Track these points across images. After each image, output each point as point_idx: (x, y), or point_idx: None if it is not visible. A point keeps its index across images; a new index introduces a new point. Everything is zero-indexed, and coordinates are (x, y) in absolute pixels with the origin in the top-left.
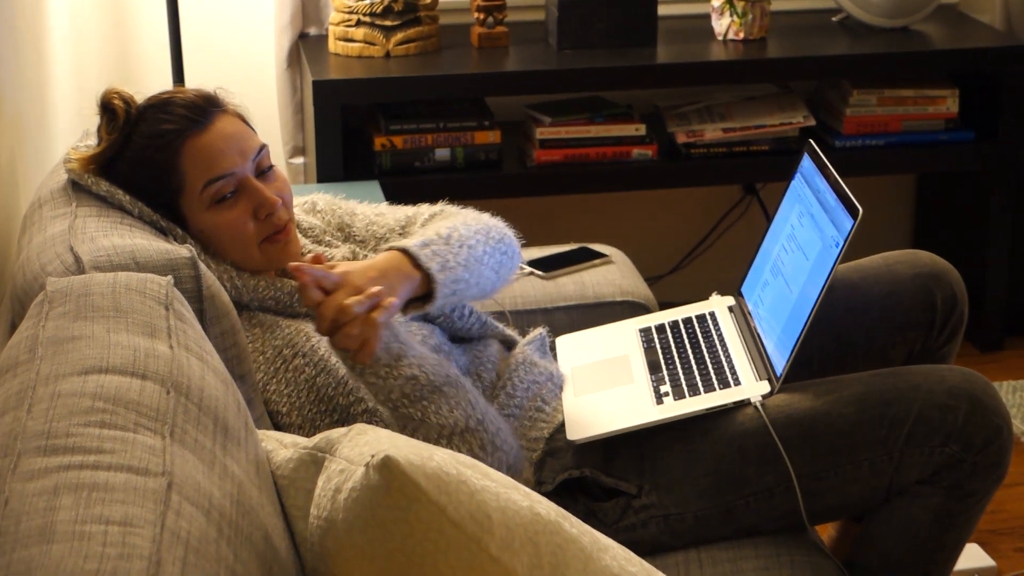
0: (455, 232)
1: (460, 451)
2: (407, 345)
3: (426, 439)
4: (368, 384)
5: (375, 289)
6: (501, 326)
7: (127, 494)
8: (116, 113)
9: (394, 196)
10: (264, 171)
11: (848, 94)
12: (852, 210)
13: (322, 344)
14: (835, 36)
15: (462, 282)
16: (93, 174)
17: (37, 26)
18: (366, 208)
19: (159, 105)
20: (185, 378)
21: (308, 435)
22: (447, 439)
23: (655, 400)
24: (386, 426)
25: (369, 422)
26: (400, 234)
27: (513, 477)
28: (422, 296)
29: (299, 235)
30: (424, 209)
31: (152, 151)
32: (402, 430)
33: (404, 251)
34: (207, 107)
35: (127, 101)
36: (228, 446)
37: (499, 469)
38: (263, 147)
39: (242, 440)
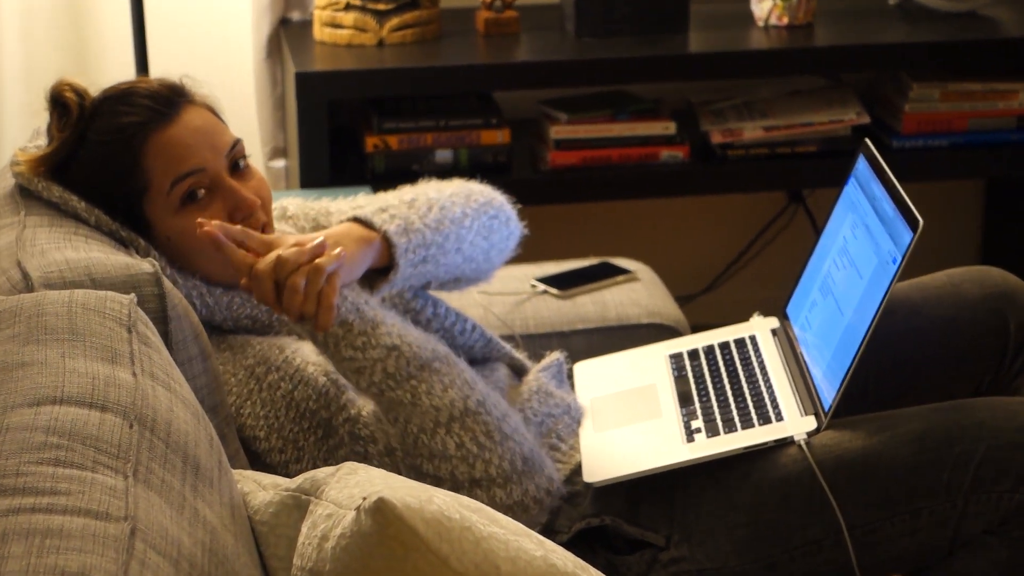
0: (423, 196)
1: (463, 440)
2: (382, 312)
3: (421, 429)
4: (345, 363)
5: (315, 237)
6: (509, 347)
7: (85, 541)
8: (68, 107)
9: None
10: (239, 168)
11: (907, 88)
12: (912, 221)
13: (297, 355)
14: (892, 21)
15: (434, 246)
16: (44, 178)
17: None
18: (342, 203)
19: (118, 96)
20: (150, 410)
21: (290, 457)
22: (445, 426)
23: (685, 437)
24: (371, 435)
25: (353, 433)
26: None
27: (532, 473)
28: (385, 269)
29: None
30: (407, 191)
31: (111, 148)
32: (393, 424)
33: (356, 219)
34: (173, 97)
35: (80, 94)
36: (199, 487)
37: (513, 462)
38: (237, 141)
39: (215, 481)
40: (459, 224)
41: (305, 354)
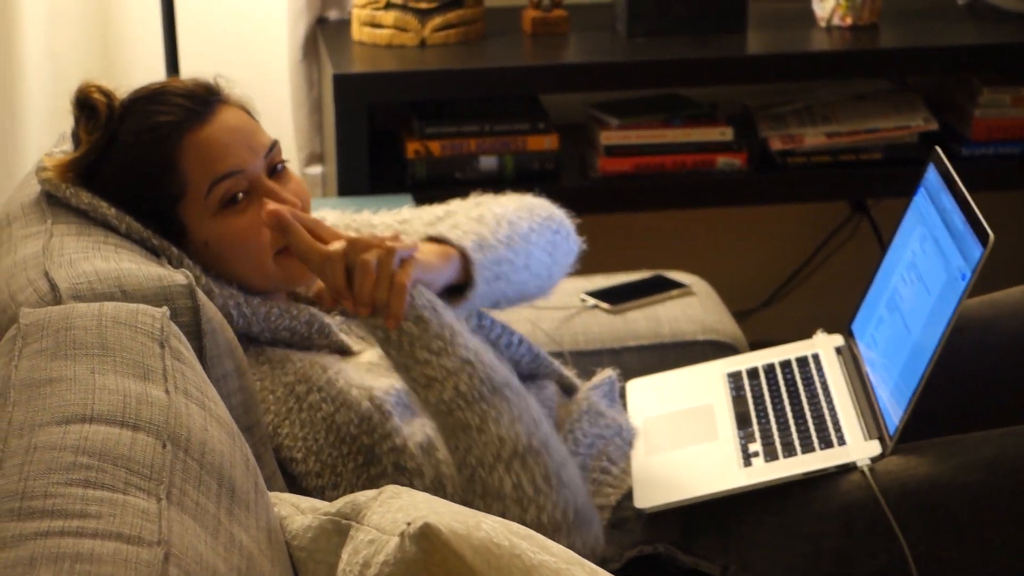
0: (489, 212)
1: (521, 480)
2: (459, 322)
3: (480, 462)
4: (419, 369)
5: (391, 233)
6: (557, 364)
7: (117, 566)
8: (96, 109)
9: None
10: (277, 171)
11: (978, 92)
12: (982, 236)
13: (340, 377)
14: (961, 22)
15: (506, 263)
16: (72, 183)
17: (8, 11)
18: (386, 216)
19: (150, 96)
20: (184, 429)
21: (327, 482)
22: (506, 462)
23: (742, 462)
24: (418, 468)
25: (399, 464)
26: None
27: (581, 528)
28: (460, 286)
29: None
30: (457, 205)
31: (145, 149)
32: (453, 453)
33: (431, 237)
34: (208, 96)
35: (108, 95)
36: (235, 511)
37: (566, 512)
38: (275, 143)
39: (251, 504)
40: (527, 240)
41: (349, 376)
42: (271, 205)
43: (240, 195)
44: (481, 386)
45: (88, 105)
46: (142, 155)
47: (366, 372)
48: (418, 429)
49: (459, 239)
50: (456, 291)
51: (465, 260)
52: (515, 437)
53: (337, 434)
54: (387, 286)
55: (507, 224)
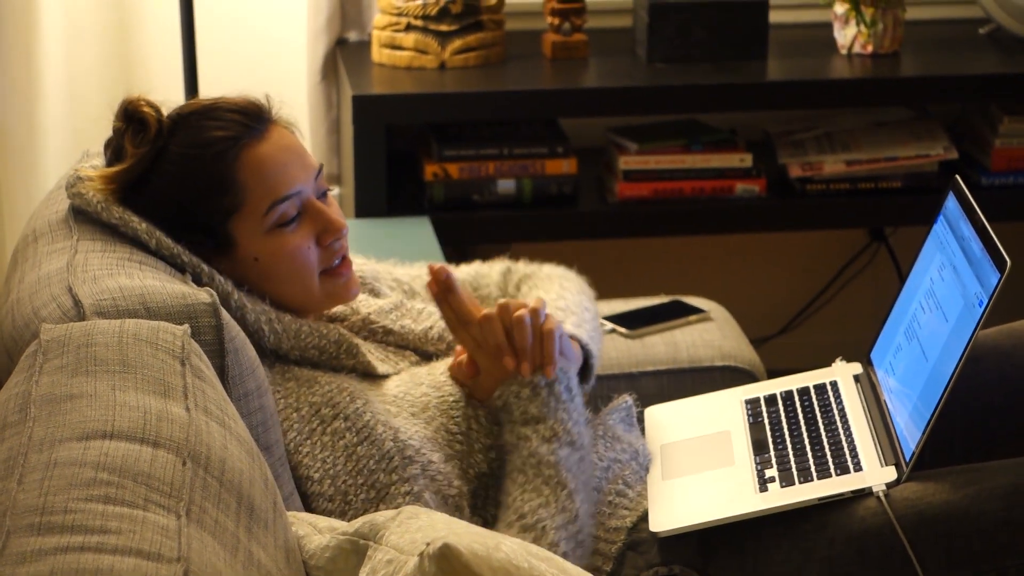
0: (572, 301)
1: (565, 553)
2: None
3: (543, 519)
4: (549, 421)
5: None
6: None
7: None
8: (146, 122)
9: (448, 235)
10: (324, 193)
11: (998, 121)
12: (999, 262)
13: (368, 410)
14: (982, 51)
15: (597, 354)
16: (115, 195)
17: (28, 31)
18: (410, 269)
19: (203, 112)
20: (204, 447)
21: (336, 508)
22: (569, 536)
23: (758, 487)
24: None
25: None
26: (476, 288)
27: None
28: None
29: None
30: (485, 268)
31: (200, 163)
32: (513, 500)
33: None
34: (261, 114)
35: (157, 109)
36: (254, 529)
37: None
38: (321, 167)
39: (270, 522)
40: (596, 328)
41: (376, 410)
42: (437, 265)
43: (294, 217)
44: (591, 461)
45: (138, 118)
46: (197, 169)
47: (392, 405)
48: (439, 482)
49: (576, 329)
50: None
51: (585, 353)
52: (582, 522)
53: (356, 464)
54: (539, 337)
55: (591, 317)
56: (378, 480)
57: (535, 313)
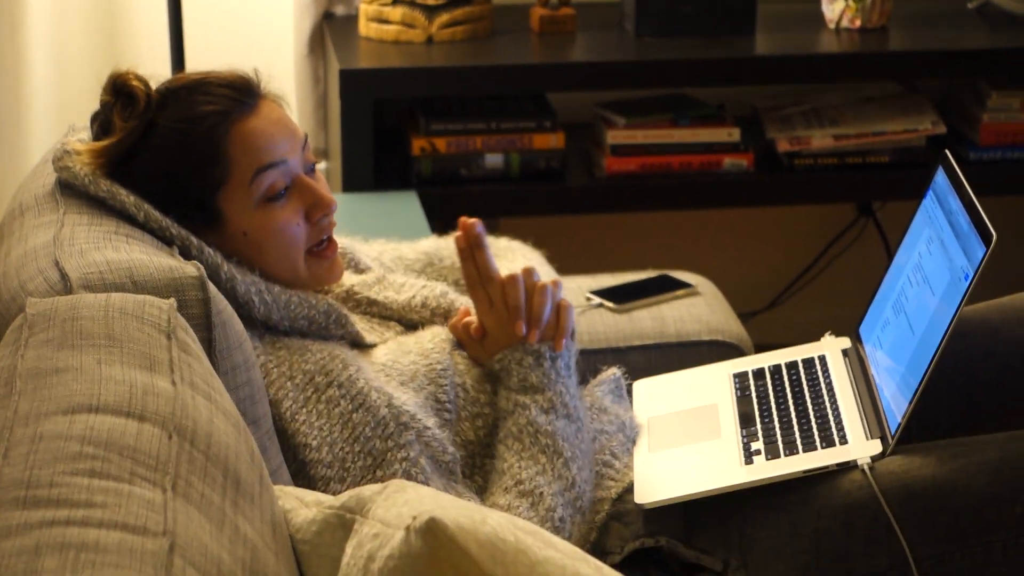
0: (541, 271)
1: (565, 521)
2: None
3: (541, 487)
4: (550, 391)
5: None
6: None
7: (122, 556)
8: (135, 97)
9: (435, 209)
10: (311, 167)
11: (986, 96)
12: (985, 236)
13: (361, 376)
14: (971, 26)
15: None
16: (103, 169)
17: (14, 5)
18: (383, 245)
19: (192, 86)
20: (190, 421)
21: (335, 475)
22: (567, 502)
23: (743, 460)
24: (426, 481)
25: (408, 475)
26: (431, 263)
27: None
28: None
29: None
30: (445, 242)
31: (190, 137)
32: (509, 468)
33: None
34: (251, 88)
35: (146, 84)
36: (240, 503)
37: None
38: (306, 137)
39: (256, 496)
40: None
41: (369, 377)
42: (470, 220)
43: (283, 191)
44: (588, 436)
45: (126, 92)
46: (186, 143)
47: (382, 374)
48: (437, 447)
49: None
50: None
51: None
52: (580, 489)
53: (352, 432)
54: (556, 308)
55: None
56: (375, 447)
57: (556, 285)
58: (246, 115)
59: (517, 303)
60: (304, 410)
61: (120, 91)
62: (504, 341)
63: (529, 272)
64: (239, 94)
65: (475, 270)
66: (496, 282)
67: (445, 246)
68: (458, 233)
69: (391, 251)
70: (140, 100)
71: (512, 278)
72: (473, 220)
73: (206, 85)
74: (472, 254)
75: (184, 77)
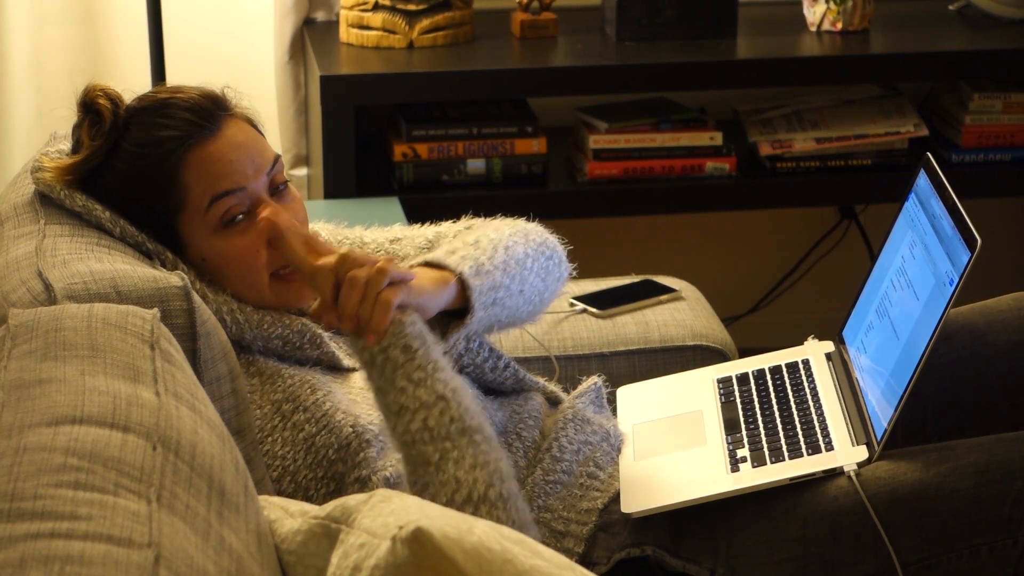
0: (485, 237)
1: None
2: (444, 362)
3: (433, 500)
4: (392, 396)
5: (386, 257)
6: (542, 381)
7: (107, 569)
8: (101, 115)
9: (417, 216)
10: (278, 188)
11: (968, 99)
12: (970, 241)
13: (328, 400)
14: (952, 28)
15: (502, 288)
16: (69, 187)
17: None
18: (377, 233)
19: (155, 107)
20: (174, 431)
21: None
22: (459, 506)
23: (729, 467)
24: None
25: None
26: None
27: None
28: (457, 311)
29: None
30: (448, 228)
31: (148, 162)
32: (412, 487)
33: (427, 263)
34: (214, 110)
35: (115, 101)
36: (225, 514)
37: None
38: (277, 159)
39: (241, 507)
40: (522, 266)
41: (337, 400)
42: (266, 211)
43: (240, 216)
44: (450, 424)
45: (93, 109)
46: (144, 168)
47: (359, 397)
48: (393, 463)
49: (456, 264)
50: (453, 316)
51: (462, 286)
52: (472, 483)
53: (315, 456)
54: (372, 302)
55: (503, 250)
56: (336, 471)
57: (377, 274)
58: (205, 140)
59: (322, 296)
60: (269, 439)
61: (88, 108)
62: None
63: (344, 259)
64: (200, 117)
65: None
66: (307, 270)
67: (446, 233)
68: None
69: (384, 242)
70: (106, 119)
71: (318, 268)
72: (268, 215)
73: (169, 107)
74: (283, 250)
75: (153, 96)
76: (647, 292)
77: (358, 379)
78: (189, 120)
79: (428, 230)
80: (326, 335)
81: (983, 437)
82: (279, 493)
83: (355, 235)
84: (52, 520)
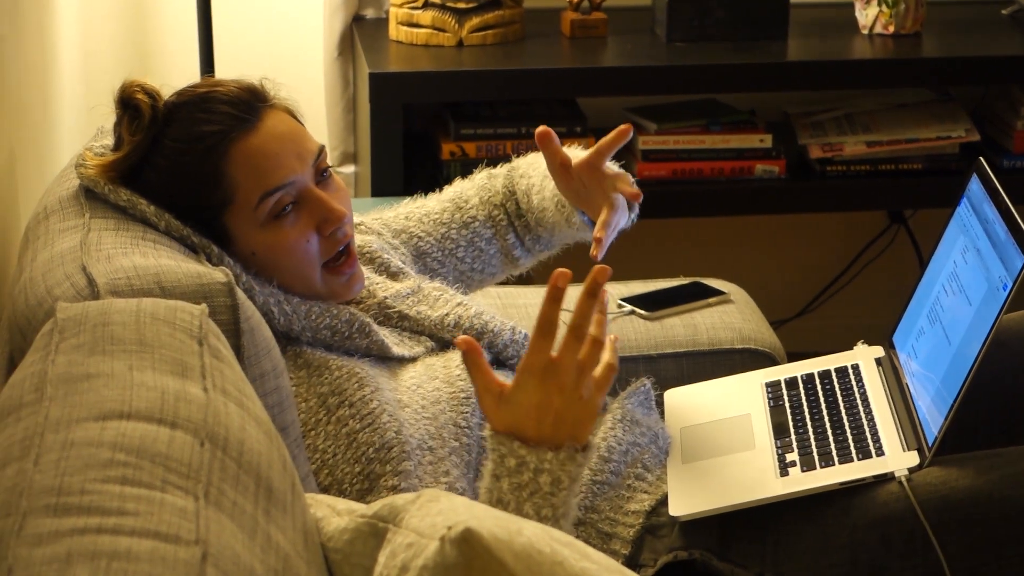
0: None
1: None
2: (573, 514)
3: None
4: (510, 501)
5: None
6: None
7: (154, 565)
8: (140, 110)
9: None
10: (323, 176)
11: (1020, 104)
12: None
13: (375, 398)
14: (1005, 32)
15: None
16: (112, 183)
17: (43, 9)
18: (409, 206)
19: (194, 102)
20: (222, 428)
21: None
22: None
23: (779, 471)
24: None
25: None
26: (459, 208)
27: None
28: None
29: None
30: (464, 187)
31: (190, 157)
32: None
33: None
34: (253, 102)
35: (152, 95)
36: (272, 511)
37: None
38: (321, 148)
39: (288, 505)
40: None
41: (384, 399)
42: (462, 337)
43: (289, 206)
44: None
45: (131, 104)
46: (186, 164)
47: (404, 395)
48: (424, 481)
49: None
50: None
51: None
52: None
53: (355, 452)
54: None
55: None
56: (373, 470)
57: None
58: (246, 133)
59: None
60: (312, 433)
61: (127, 104)
62: (514, 419)
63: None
64: (240, 110)
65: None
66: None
67: (470, 186)
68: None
69: (417, 211)
70: (145, 114)
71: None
72: (464, 340)
73: (208, 101)
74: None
75: (192, 90)
76: (696, 294)
77: (407, 377)
78: (229, 113)
79: (451, 189)
80: (375, 324)
81: None
82: (317, 486)
83: (393, 212)
84: (99, 515)
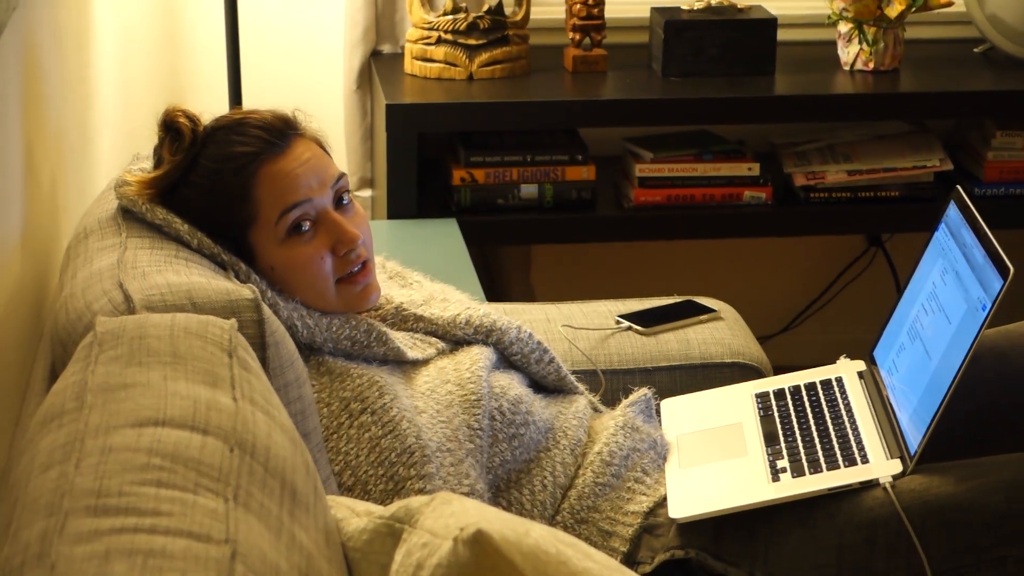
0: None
1: None
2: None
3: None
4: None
5: None
6: (583, 387)
7: (187, 563)
8: (181, 133)
9: (474, 236)
10: (343, 203)
11: (991, 135)
12: (1002, 269)
13: (395, 405)
14: (977, 69)
15: None
16: (151, 200)
17: (82, 38)
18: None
19: (231, 126)
20: (250, 435)
21: (356, 497)
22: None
23: (770, 476)
24: None
25: None
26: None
27: None
28: None
29: (380, 280)
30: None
31: (223, 176)
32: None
33: None
34: (285, 129)
35: (193, 120)
36: (296, 512)
37: None
38: (342, 176)
39: (311, 506)
40: None
41: (402, 406)
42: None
43: (306, 224)
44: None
45: (174, 128)
46: (219, 181)
47: (420, 401)
48: (448, 483)
49: None
50: None
51: None
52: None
53: (379, 456)
54: None
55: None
56: (398, 473)
57: None
58: (275, 157)
59: None
60: (335, 436)
61: (169, 127)
62: None
63: None
64: (272, 135)
65: None
66: None
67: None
68: None
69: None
70: (186, 136)
71: None
72: None
73: (244, 126)
74: None
75: (228, 117)
76: (688, 312)
77: (421, 381)
78: (261, 137)
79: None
80: (390, 331)
81: (1012, 455)
82: (340, 486)
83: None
84: (136, 516)
